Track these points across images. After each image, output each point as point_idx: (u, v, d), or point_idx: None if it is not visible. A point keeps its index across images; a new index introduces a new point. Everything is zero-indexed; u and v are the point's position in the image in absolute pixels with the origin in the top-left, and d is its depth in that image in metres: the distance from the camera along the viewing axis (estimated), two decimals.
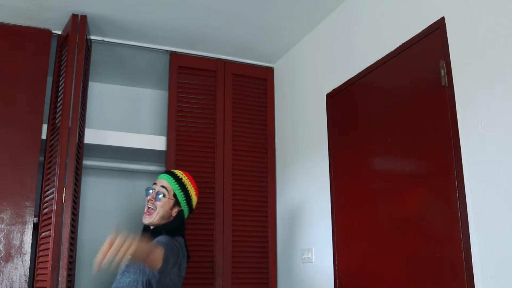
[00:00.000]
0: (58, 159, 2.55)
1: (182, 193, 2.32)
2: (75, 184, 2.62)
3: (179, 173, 2.38)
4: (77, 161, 2.64)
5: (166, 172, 2.41)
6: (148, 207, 2.27)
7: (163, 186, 2.29)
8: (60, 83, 2.77)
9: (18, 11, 2.71)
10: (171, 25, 2.89)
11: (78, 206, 2.75)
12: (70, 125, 2.59)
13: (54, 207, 2.48)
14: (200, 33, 2.99)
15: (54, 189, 2.52)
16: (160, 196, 2.26)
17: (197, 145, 3.06)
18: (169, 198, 2.28)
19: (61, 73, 2.79)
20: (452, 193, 1.86)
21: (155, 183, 2.33)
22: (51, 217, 2.49)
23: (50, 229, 2.47)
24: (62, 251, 2.42)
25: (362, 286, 2.31)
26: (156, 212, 2.24)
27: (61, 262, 2.41)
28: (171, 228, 2.25)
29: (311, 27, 2.93)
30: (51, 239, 2.43)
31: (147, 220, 2.25)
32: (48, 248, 2.44)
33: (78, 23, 2.73)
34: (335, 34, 2.73)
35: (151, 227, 2.28)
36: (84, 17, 2.74)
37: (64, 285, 2.38)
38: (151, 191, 2.31)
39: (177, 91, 3.09)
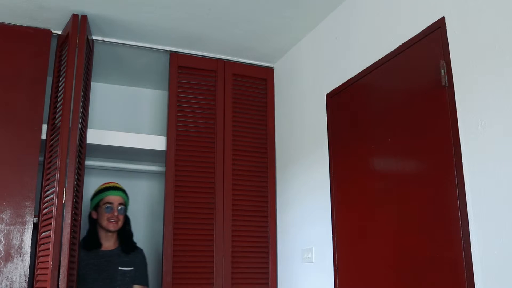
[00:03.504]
0: (58, 159, 2.55)
1: (128, 202, 2.98)
2: (77, 184, 2.61)
3: (120, 186, 2.96)
4: (79, 162, 2.64)
5: (114, 188, 2.92)
6: (111, 221, 2.84)
7: (121, 203, 2.89)
8: (60, 83, 2.77)
9: (18, 11, 2.71)
10: (171, 25, 2.89)
11: (81, 206, 2.75)
12: (70, 125, 2.59)
13: (54, 207, 2.47)
14: (200, 33, 2.99)
15: (54, 189, 2.52)
16: (123, 210, 2.89)
17: (197, 145, 3.06)
18: (126, 209, 2.93)
19: (61, 73, 2.79)
20: (452, 193, 1.86)
21: (110, 202, 2.85)
22: (51, 217, 2.49)
23: (50, 229, 2.47)
24: (63, 251, 2.42)
25: (362, 286, 2.31)
26: (120, 222, 2.87)
27: (61, 262, 2.40)
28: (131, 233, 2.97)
29: (311, 27, 2.93)
30: (51, 239, 2.43)
31: (115, 227, 2.85)
32: (48, 248, 2.44)
33: (79, 23, 2.72)
34: (335, 34, 2.73)
35: (119, 247, 2.90)
36: (84, 17, 2.74)
37: (65, 285, 2.38)
38: (110, 207, 2.86)
39: (177, 91, 3.09)
